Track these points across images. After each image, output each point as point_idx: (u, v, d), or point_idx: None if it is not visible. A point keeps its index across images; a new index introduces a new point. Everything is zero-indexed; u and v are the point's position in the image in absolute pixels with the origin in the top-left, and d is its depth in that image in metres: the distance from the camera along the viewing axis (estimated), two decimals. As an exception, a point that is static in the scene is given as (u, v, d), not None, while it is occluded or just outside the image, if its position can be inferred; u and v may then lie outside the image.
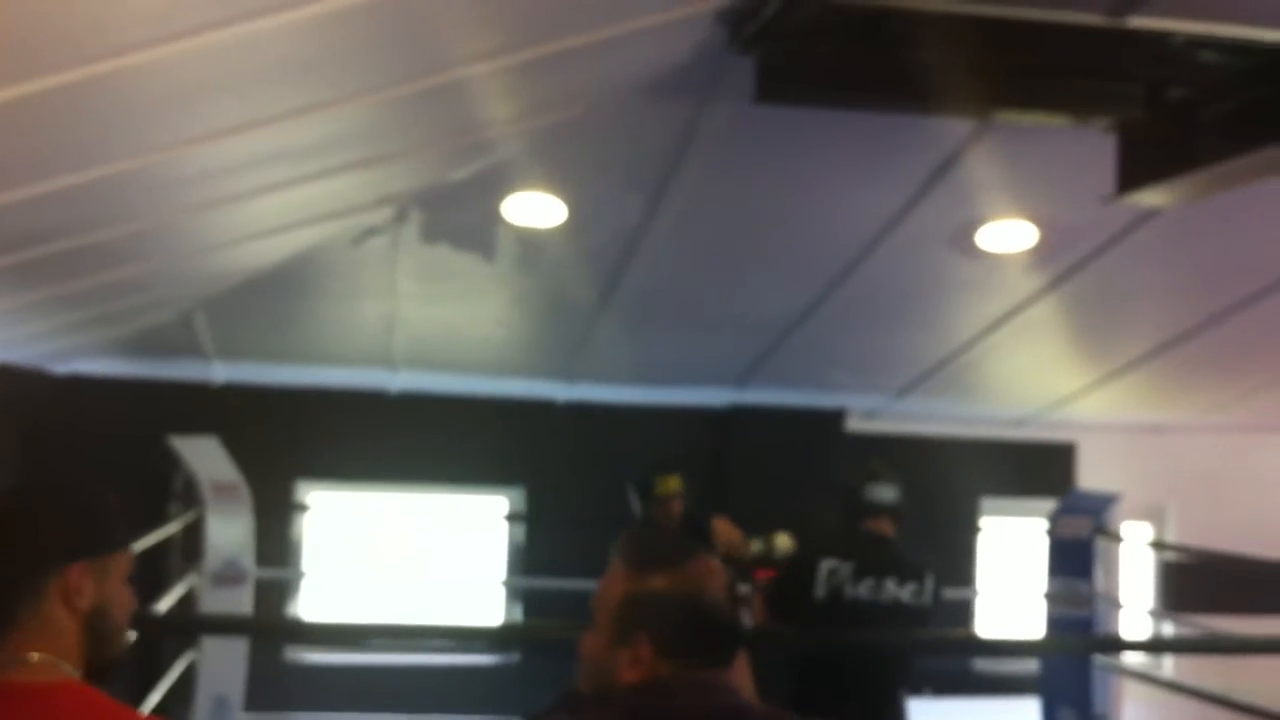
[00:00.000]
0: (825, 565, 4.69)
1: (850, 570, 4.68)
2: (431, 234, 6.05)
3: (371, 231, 6.00)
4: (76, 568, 1.85)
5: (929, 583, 4.78)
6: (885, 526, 4.83)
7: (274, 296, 6.65)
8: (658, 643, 2.09)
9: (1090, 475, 8.88)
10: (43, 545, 1.84)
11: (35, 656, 1.78)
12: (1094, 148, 4.80)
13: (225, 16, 2.96)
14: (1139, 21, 4.43)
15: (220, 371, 7.81)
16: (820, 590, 4.72)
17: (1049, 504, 8.19)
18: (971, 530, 9.14)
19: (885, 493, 4.84)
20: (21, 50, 2.65)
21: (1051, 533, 7.82)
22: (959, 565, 9.11)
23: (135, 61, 2.98)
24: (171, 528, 6.82)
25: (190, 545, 7.10)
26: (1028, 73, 4.57)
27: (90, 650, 1.82)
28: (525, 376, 8.08)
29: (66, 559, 1.86)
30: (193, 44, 3.01)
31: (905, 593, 4.75)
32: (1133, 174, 4.61)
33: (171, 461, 7.24)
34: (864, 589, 4.70)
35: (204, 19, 2.93)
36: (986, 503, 9.14)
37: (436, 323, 7.19)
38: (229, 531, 7.16)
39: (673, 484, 6.10)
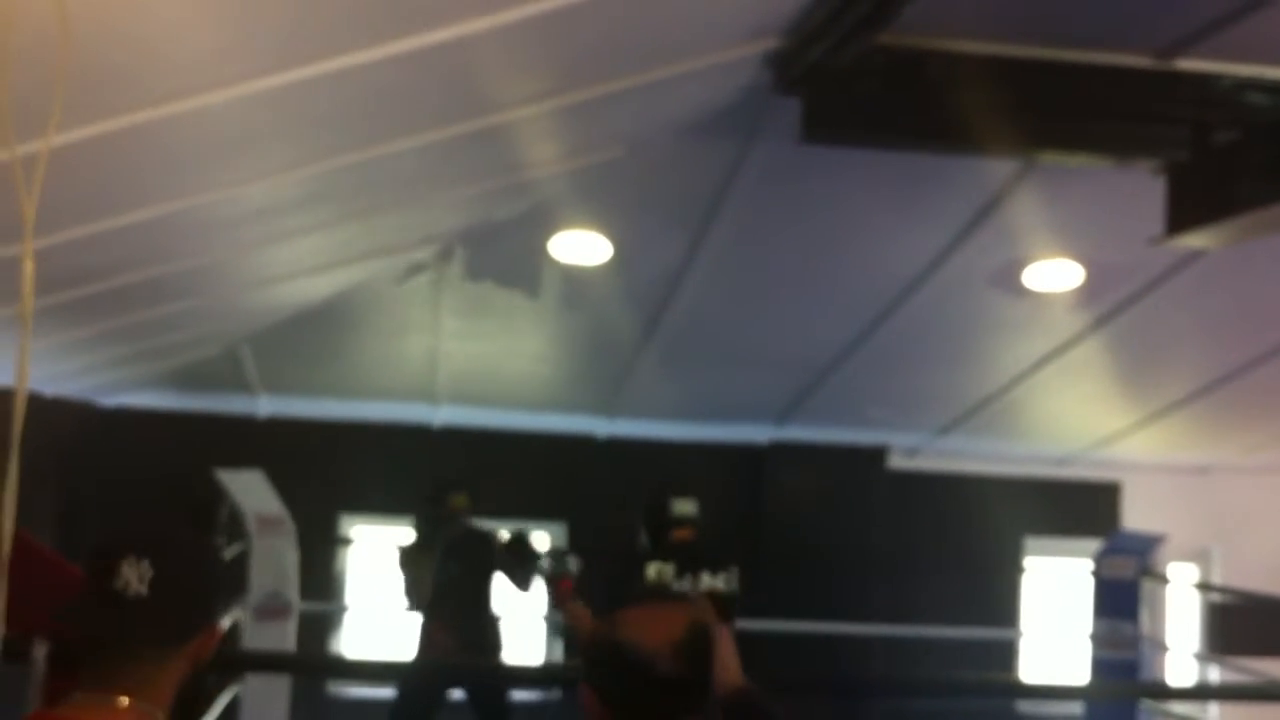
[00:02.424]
0: (651, 568, 5.04)
1: (672, 571, 5.02)
2: (476, 271, 6.09)
3: (417, 268, 6.05)
4: (215, 629, 1.82)
5: (734, 572, 5.11)
6: (688, 534, 5.17)
7: (319, 331, 6.71)
8: (600, 694, 2.01)
9: (1135, 515, 8.81)
10: (205, 610, 1.81)
11: (125, 701, 1.75)
12: (1139, 187, 4.80)
13: (281, 62, 3.01)
14: (1186, 64, 4.44)
15: (265, 405, 7.87)
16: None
17: (1094, 544, 8.13)
18: (1015, 570, 9.07)
19: (686, 506, 5.17)
20: (84, 95, 2.70)
21: (1097, 573, 7.76)
22: (1003, 605, 9.05)
23: (192, 105, 3.03)
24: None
25: (237, 577, 7.14)
26: (1072, 114, 4.58)
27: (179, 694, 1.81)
28: (566, 412, 8.10)
29: (213, 622, 1.83)
30: (249, 88, 3.06)
31: (719, 582, 5.07)
32: (1180, 216, 4.60)
33: (217, 494, 7.29)
34: (686, 584, 5.03)
35: (260, 65, 2.98)
36: (1030, 542, 9.07)
37: (479, 358, 7.23)
38: (273, 564, 7.18)
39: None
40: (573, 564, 5.72)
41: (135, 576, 1.74)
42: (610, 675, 2.03)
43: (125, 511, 7.43)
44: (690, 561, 5.04)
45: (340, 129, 3.76)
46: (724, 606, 5.00)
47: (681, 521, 5.16)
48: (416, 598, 6.53)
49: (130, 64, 2.76)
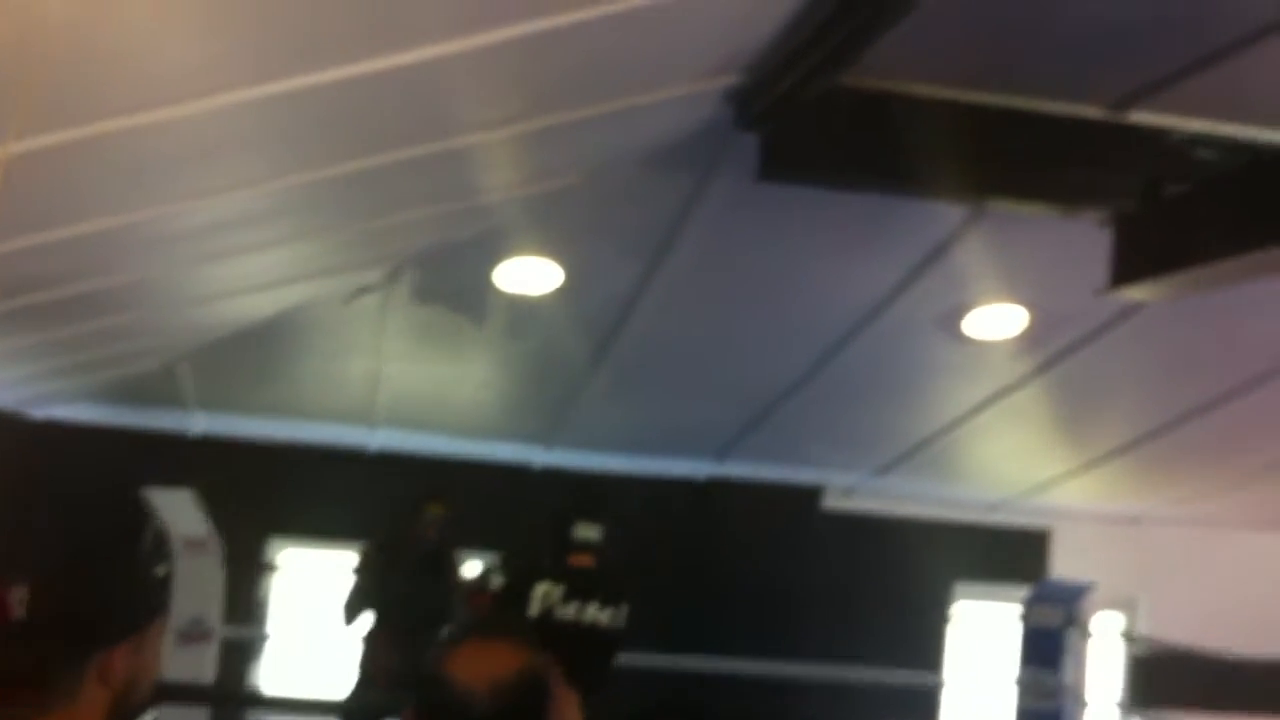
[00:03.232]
0: (540, 589, 4.98)
1: (560, 594, 4.98)
2: (424, 294, 6.04)
3: (363, 289, 5.99)
4: (119, 651, 1.66)
5: (624, 608, 5.10)
6: (588, 560, 5.11)
7: (259, 350, 6.61)
8: None
9: (1064, 563, 8.88)
10: (87, 630, 1.67)
11: None
12: (1087, 236, 4.85)
13: (244, 78, 2.96)
14: (1138, 116, 4.51)
15: (199, 423, 7.74)
16: (534, 609, 4.97)
17: (1023, 590, 8.19)
18: (942, 615, 9.10)
19: (590, 531, 5.10)
20: (46, 105, 2.65)
21: (1024, 621, 7.81)
22: (930, 650, 9.07)
23: (152, 119, 2.97)
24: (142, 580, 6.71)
25: (160, 598, 6.98)
26: (1025, 162, 4.64)
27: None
28: (505, 440, 8.04)
29: (111, 644, 1.71)
30: (209, 103, 3.01)
31: (604, 616, 5.05)
32: (1127, 267, 4.65)
33: (145, 513, 7.13)
34: (571, 610, 4.99)
35: (222, 80, 2.94)
36: (960, 587, 9.11)
37: (421, 382, 7.16)
38: (198, 588, 7.04)
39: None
40: (495, 580, 5.69)
41: (16, 599, 1.63)
42: (430, 708, 1.94)
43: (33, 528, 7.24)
44: (583, 589, 4.97)
45: (298, 147, 3.71)
46: (606, 644, 5.02)
47: (582, 546, 5.07)
48: (356, 609, 6.39)
49: (96, 75, 2.71)
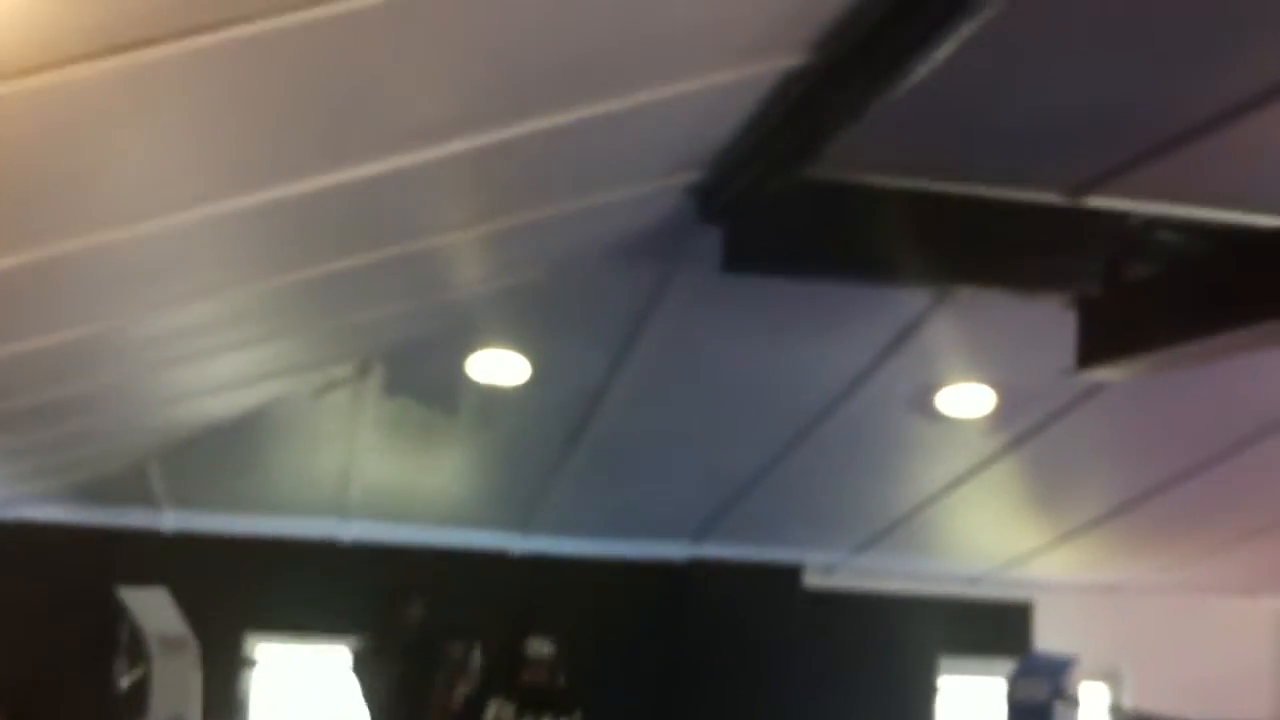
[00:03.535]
0: (492, 707, 5.26)
1: (512, 712, 5.23)
2: (394, 388, 6.03)
3: (333, 384, 5.98)
4: None
5: (577, 717, 5.29)
6: (539, 676, 5.34)
7: (229, 445, 6.58)
8: None
9: (1047, 634, 8.83)
10: None
11: None
12: (1052, 317, 4.89)
13: (212, 194, 2.98)
14: (1097, 201, 4.56)
15: (171, 520, 7.68)
16: None
17: (1007, 663, 8.14)
18: (929, 690, 9.04)
19: (542, 647, 5.39)
20: (12, 226, 2.66)
21: (1010, 696, 7.76)
22: (917, 725, 9.00)
23: (115, 237, 2.98)
24: (117, 683, 6.65)
25: (136, 701, 6.90)
26: (987, 248, 4.68)
27: None
28: (481, 528, 7.99)
29: None
30: (174, 220, 3.03)
31: None
32: (1092, 349, 4.69)
33: (119, 613, 7.07)
34: None
35: (192, 196, 2.96)
36: (945, 662, 9.05)
37: (394, 473, 7.13)
38: (175, 687, 6.97)
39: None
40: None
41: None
42: None
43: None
44: (534, 705, 5.16)
45: (267, 254, 3.73)
46: None
47: (535, 662, 5.28)
48: (374, 708, 6.31)
49: (60, 196, 2.72)
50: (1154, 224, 4.53)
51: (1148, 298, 4.49)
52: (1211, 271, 4.26)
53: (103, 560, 7.49)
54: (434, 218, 3.89)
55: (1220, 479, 6.99)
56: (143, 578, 7.09)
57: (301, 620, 8.15)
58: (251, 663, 8.22)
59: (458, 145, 3.23)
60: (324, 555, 8.08)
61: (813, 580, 8.74)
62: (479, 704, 5.12)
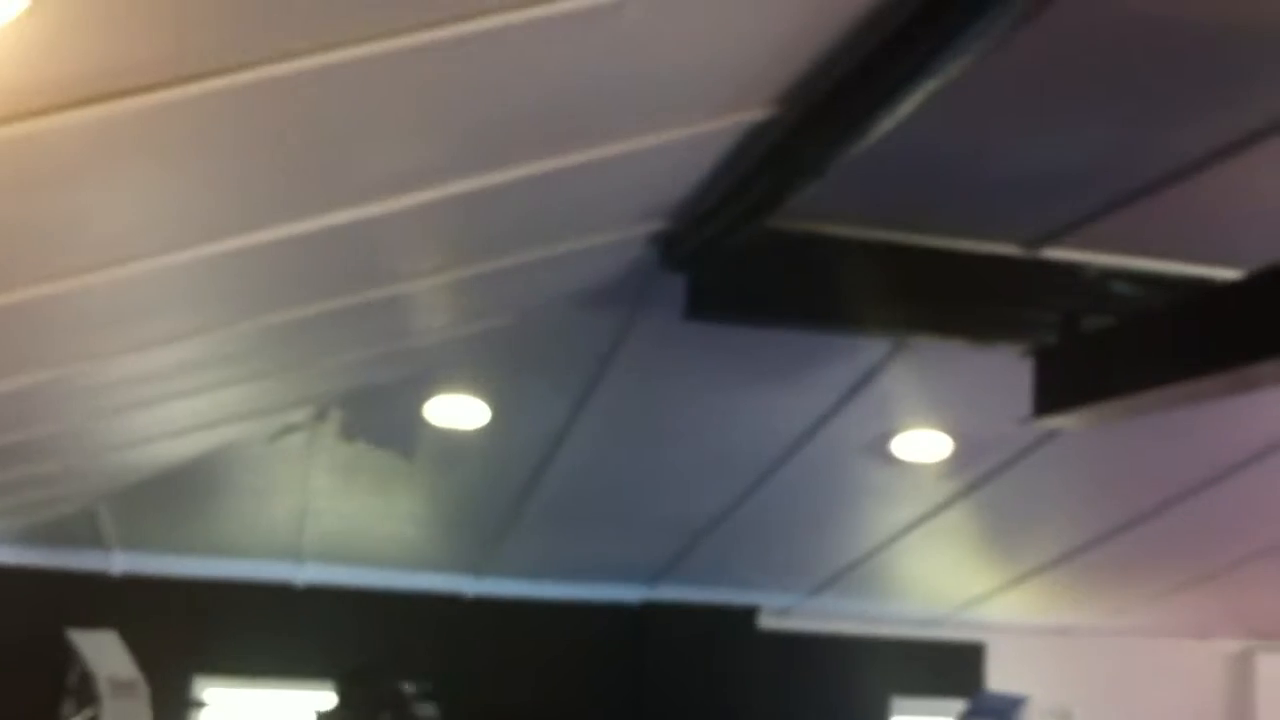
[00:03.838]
0: None
1: None
2: (350, 432, 6.00)
3: (289, 429, 5.94)
4: None
5: None
6: (408, 711, 5.77)
7: (181, 489, 6.52)
8: None
9: (999, 676, 8.88)
10: None
11: None
12: (1008, 366, 4.94)
13: (174, 243, 2.97)
14: (1054, 253, 4.62)
15: (120, 562, 7.59)
16: None
17: (959, 704, 8.17)
18: (881, 731, 9.06)
19: (408, 688, 5.85)
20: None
21: (963, 736, 7.79)
22: (870, 767, 9.01)
23: (82, 284, 2.96)
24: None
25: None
26: (945, 298, 4.74)
27: None
28: (436, 570, 7.95)
29: None
30: (134, 269, 3.01)
31: None
32: (1048, 398, 4.74)
33: (69, 656, 6.97)
34: None
35: (153, 246, 2.94)
36: (898, 702, 9.07)
37: (348, 517, 7.08)
38: (124, 731, 6.87)
39: None
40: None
41: None
42: None
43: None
44: None
45: (228, 302, 3.71)
46: None
47: (403, 700, 5.82)
48: None
49: (21, 243, 2.70)
50: (1110, 275, 4.60)
51: (1104, 348, 4.54)
52: (1166, 323, 4.32)
53: (52, 603, 7.39)
54: (399, 266, 3.89)
55: (1170, 525, 7.08)
56: (93, 620, 7.00)
57: (253, 663, 8.06)
58: (202, 706, 8.11)
59: (425, 196, 3.23)
60: (277, 598, 8.00)
61: (768, 622, 8.74)
62: None
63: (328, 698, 6.48)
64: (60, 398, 4.19)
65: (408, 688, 5.47)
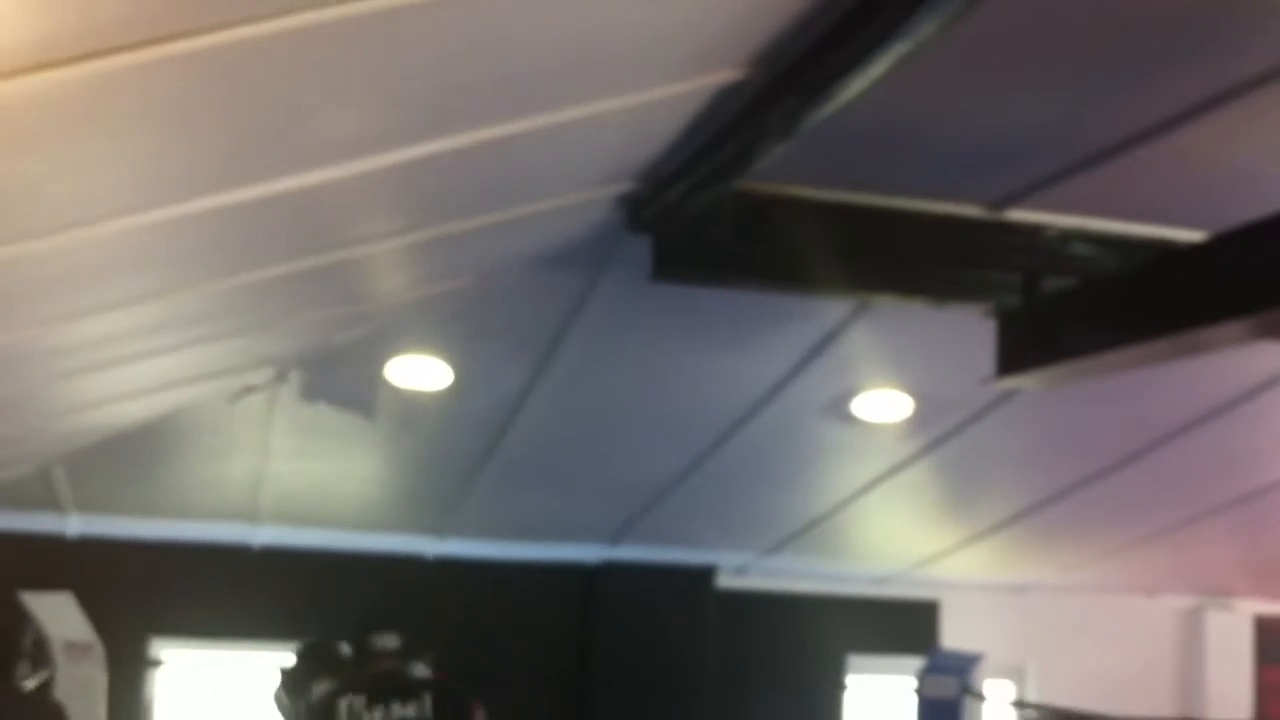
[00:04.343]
0: (344, 702, 5.46)
1: (363, 702, 5.46)
2: (311, 394, 5.96)
3: (249, 390, 5.89)
4: None
5: (427, 699, 5.54)
6: (388, 663, 5.62)
7: (139, 452, 6.46)
8: None
9: (953, 633, 8.98)
10: None
11: None
12: (969, 326, 4.98)
13: (127, 207, 2.92)
14: (1016, 214, 4.64)
15: (76, 525, 7.52)
16: None
17: (914, 661, 8.26)
18: (838, 688, 9.15)
19: (388, 641, 5.63)
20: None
21: (920, 692, 7.87)
22: (826, 723, 9.10)
23: (38, 247, 2.91)
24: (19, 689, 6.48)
25: (39, 708, 6.74)
26: (907, 260, 4.75)
27: None
28: (397, 532, 7.94)
29: None
30: (90, 233, 2.96)
31: (409, 711, 5.49)
32: (1009, 358, 4.78)
33: (21, 619, 6.90)
34: (377, 714, 5.47)
35: (106, 210, 2.89)
36: (854, 659, 9.17)
37: (307, 479, 7.05)
38: (80, 693, 6.82)
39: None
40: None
41: None
42: None
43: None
44: (382, 693, 5.46)
45: (184, 267, 3.66)
46: None
47: (381, 654, 5.59)
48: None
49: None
50: (1072, 237, 4.62)
51: (1064, 309, 4.58)
52: (1126, 285, 4.36)
53: (6, 565, 7.31)
54: (360, 229, 3.85)
55: (1122, 484, 7.17)
56: (48, 583, 6.94)
57: (210, 625, 8.04)
58: (158, 667, 8.09)
59: (385, 160, 3.20)
60: (233, 560, 7.97)
61: (725, 581, 8.80)
62: (331, 704, 5.45)
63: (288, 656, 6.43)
64: (15, 361, 4.13)
65: (390, 643, 5.55)
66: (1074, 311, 4.49)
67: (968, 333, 5.00)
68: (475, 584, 8.29)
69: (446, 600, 8.27)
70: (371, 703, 5.44)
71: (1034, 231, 4.65)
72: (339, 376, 5.81)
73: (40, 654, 6.90)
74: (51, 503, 7.12)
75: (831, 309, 5.29)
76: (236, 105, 2.65)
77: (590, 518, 7.77)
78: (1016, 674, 9.33)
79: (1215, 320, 3.93)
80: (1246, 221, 3.80)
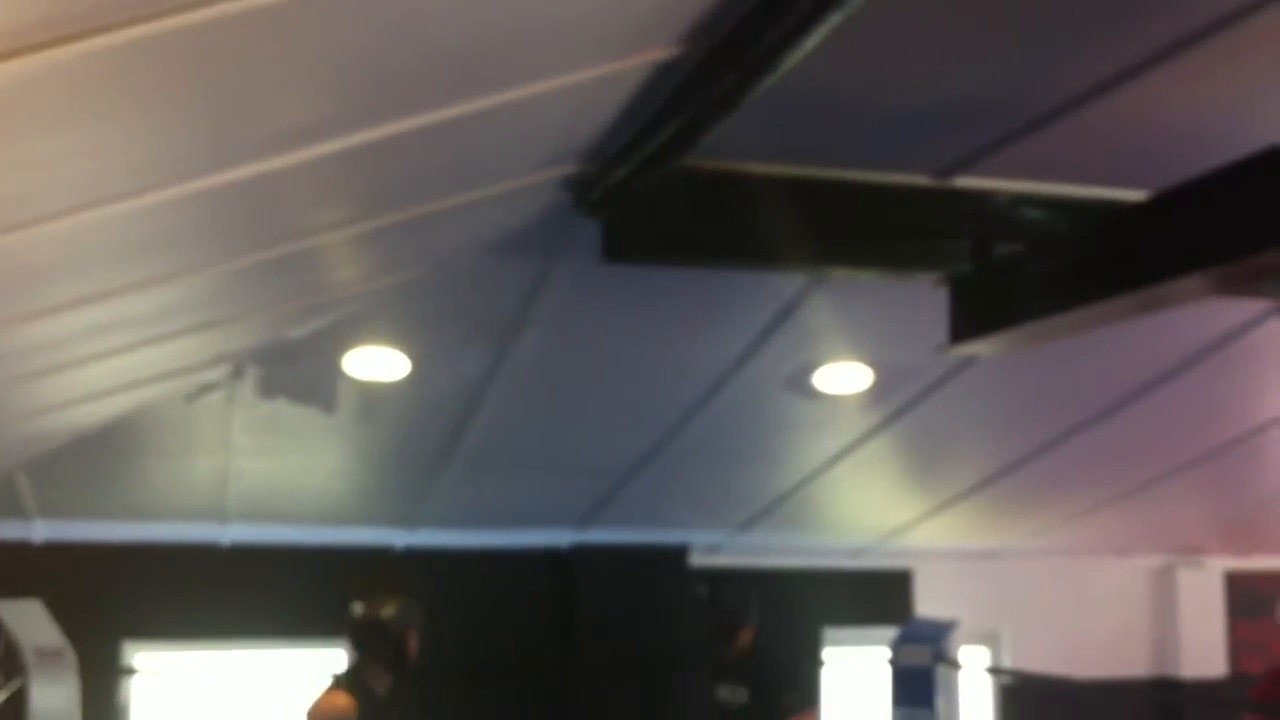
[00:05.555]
0: None
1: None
2: (269, 389, 5.94)
3: (207, 388, 5.86)
4: None
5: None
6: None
7: (101, 454, 6.42)
8: None
9: (927, 601, 9.03)
10: None
11: None
12: (924, 296, 4.99)
13: (73, 203, 2.89)
14: (964, 181, 4.66)
15: (42, 530, 7.48)
16: None
17: (890, 632, 8.30)
18: (813, 661, 9.18)
19: (357, 608, 5.87)
20: None
21: (893, 662, 7.91)
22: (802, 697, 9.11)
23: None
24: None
25: (13, 715, 6.73)
26: (857, 232, 4.76)
27: None
28: (365, 524, 7.92)
29: None
30: (42, 229, 2.93)
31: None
32: (963, 326, 4.80)
33: (-8, 629, 6.88)
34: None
35: (56, 206, 2.86)
36: (829, 633, 9.21)
37: (272, 475, 7.03)
38: (54, 700, 6.81)
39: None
40: None
41: None
42: None
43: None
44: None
45: (135, 262, 3.63)
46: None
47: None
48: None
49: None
50: (1020, 201, 4.64)
51: (1015, 274, 4.60)
52: (1075, 247, 4.38)
53: (-29, 576, 7.28)
54: (311, 220, 3.83)
55: (1087, 446, 7.22)
56: (15, 590, 6.91)
57: (182, 626, 8.01)
58: (131, 671, 8.05)
59: (326, 148, 3.18)
60: (202, 559, 7.94)
61: (699, 560, 8.82)
62: None
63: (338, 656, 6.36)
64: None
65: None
66: (1025, 275, 4.51)
67: (923, 302, 5.02)
68: (446, 574, 8.27)
69: (416, 591, 8.25)
70: None
71: (982, 198, 4.67)
72: (297, 370, 5.78)
73: (12, 662, 6.87)
74: (15, 509, 7.07)
75: (786, 284, 5.30)
76: (179, 95, 2.62)
77: (559, 502, 7.77)
78: (991, 640, 9.40)
79: (1165, 276, 3.95)
80: (1191, 177, 3.82)
